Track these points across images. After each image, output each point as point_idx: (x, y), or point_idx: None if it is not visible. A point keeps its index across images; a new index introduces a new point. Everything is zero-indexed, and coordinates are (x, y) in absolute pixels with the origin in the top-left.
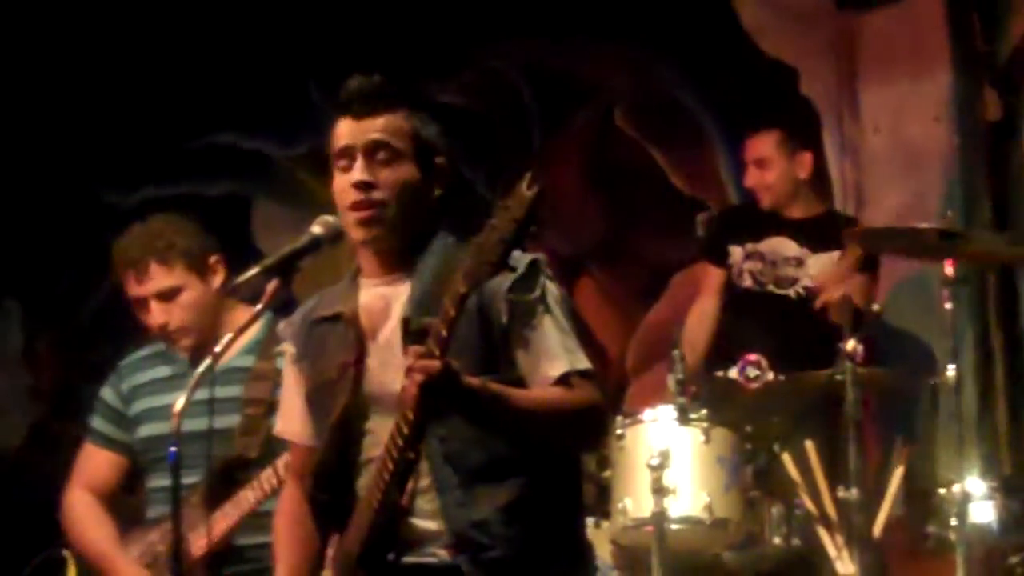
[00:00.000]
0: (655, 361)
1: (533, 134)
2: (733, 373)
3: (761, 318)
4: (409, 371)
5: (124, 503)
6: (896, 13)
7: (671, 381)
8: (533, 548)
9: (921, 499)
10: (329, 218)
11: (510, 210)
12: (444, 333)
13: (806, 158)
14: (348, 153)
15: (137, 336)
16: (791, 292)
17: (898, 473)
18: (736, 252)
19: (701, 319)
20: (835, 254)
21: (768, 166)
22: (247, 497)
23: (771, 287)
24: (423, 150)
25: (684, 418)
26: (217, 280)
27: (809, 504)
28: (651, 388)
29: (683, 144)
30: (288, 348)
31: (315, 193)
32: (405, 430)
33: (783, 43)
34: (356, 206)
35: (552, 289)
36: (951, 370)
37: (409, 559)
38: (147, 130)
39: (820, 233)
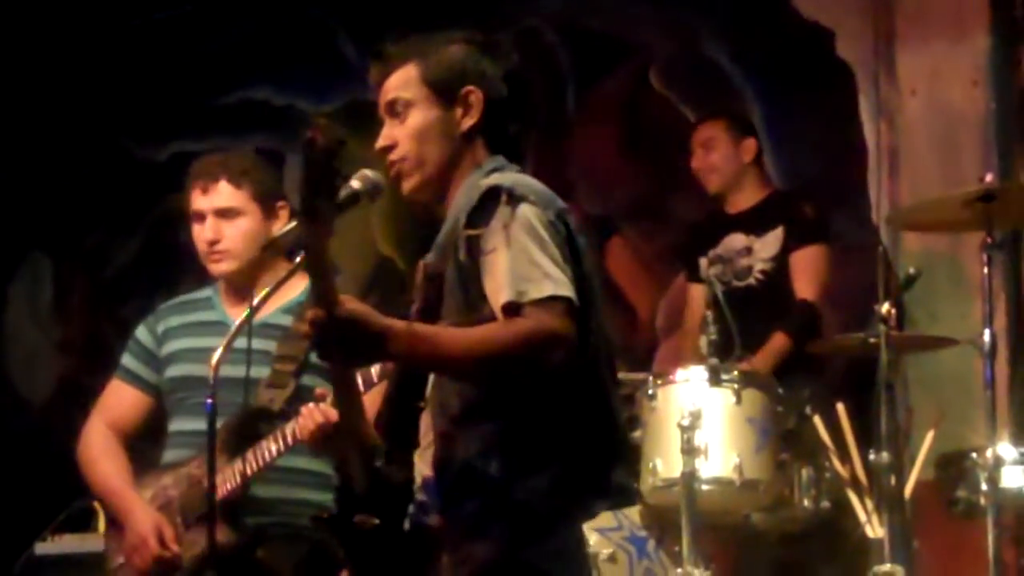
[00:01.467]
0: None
1: (568, 93)
2: None
3: (736, 314)
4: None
5: (139, 446)
6: None
7: (703, 342)
8: (507, 490)
9: (951, 463)
10: (368, 172)
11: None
12: (315, 280)
13: (751, 143)
14: (382, 122)
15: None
16: (751, 280)
17: (929, 437)
18: (703, 263)
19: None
20: (778, 231)
21: (713, 147)
22: (268, 448)
23: (735, 282)
24: (438, 86)
25: (715, 379)
26: (276, 227)
27: (839, 467)
28: (680, 347)
29: (718, 105)
30: None
31: (349, 148)
32: (346, 378)
33: (820, 4)
34: (387, 170)
35: (519, 214)
36: (985, 335)
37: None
38: (177, 85)
39: (762, 217)
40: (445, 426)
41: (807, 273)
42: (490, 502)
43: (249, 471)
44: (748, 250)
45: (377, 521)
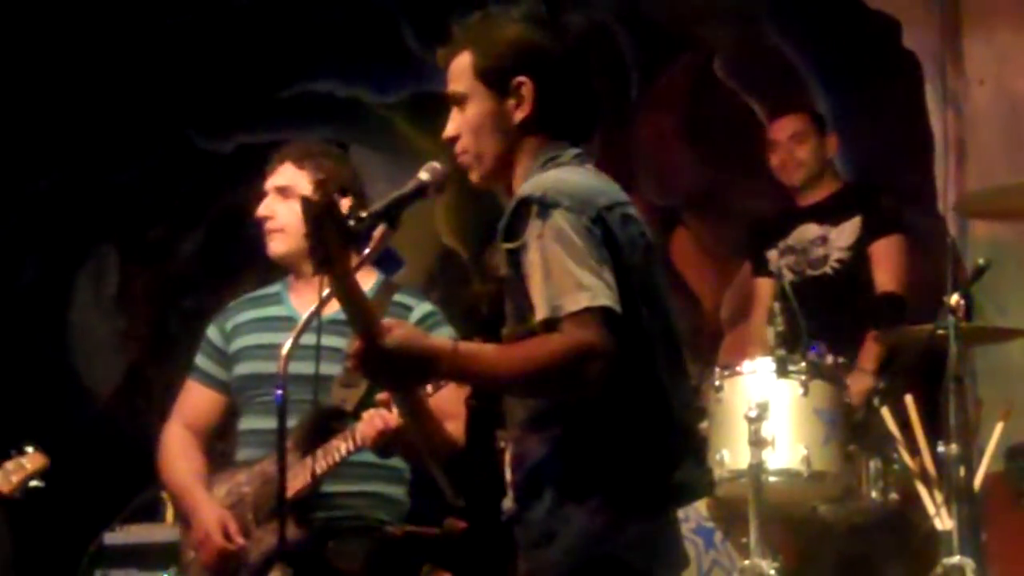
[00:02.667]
0: (750, 313)
1: (631, 83)
2: None
3: (811, 304)
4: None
5: (214, 445)
6: None
7: (770, 333)
8: (568, 503)
9: (1020, 455)
10: (436, 164)
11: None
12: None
13: (833, 139)
14: (446, 112)
15: (230, 282)
16: (827, 269)
17: (998, 429)
18: (772, 255)
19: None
20: (855, 220)
21: (804, 140)
22: (339, 447)
23: (809, 272)
24: (488, 77)
25: (783, 370)
26: None
27: (908, 459)
28: (746, 340)
29: (783, 95)
30: None
31: (411, 141)
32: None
33: None
34: (454, 162)
35: (551, 220)
36: None
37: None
38: (242, 77)
39: (836, 207)
40: (515, 431)
41: (888, 263)
42: (554, 507)
43: (319, 470)
44: (823, 239)
45: (464, 525)
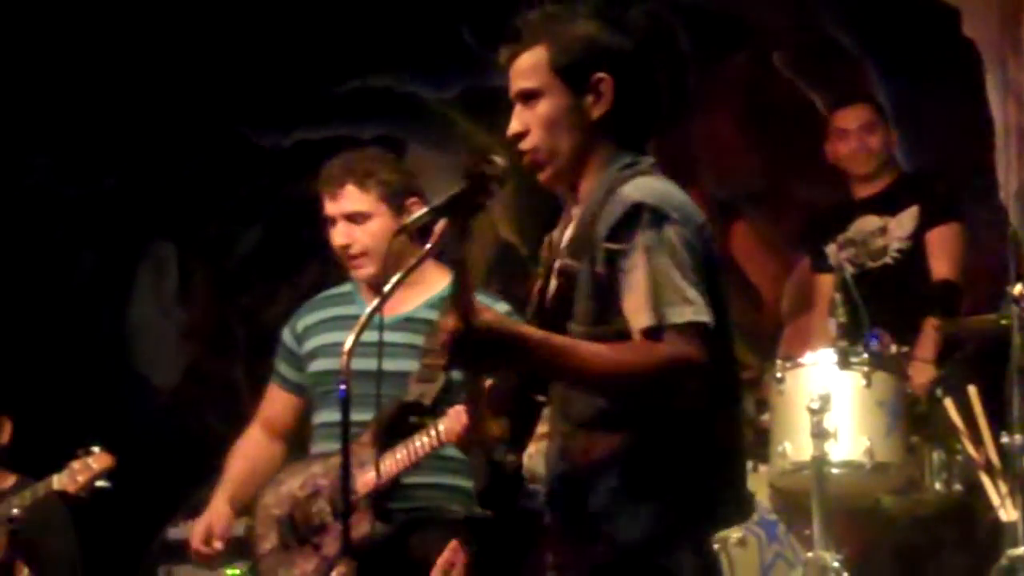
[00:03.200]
0: (810, 305)
1: (689, 76)
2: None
3: (871, 294)
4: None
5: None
6: None
7: (832, 325)
8: (625, 506)
9: None
10: (497, 159)
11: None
12: (456, 290)
13: (895, 134)
14: (512, 106)
15: (288, 278)
16: (887, 260)
17: None
18: (831, 249)
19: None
20: (913, 210)
21: (874, 130)
22: (421, 442)
23: (869, 263)
24: (566, 73)
25: (845, 362)
26: None
27: (971, 450)
28: (806, 332)
29: (842, 86)
30: None
31: (468, 135)
32: (475, 384)
33: None
34: (518, 159)
35: (662, 233)
36: None
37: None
38: (298, 74)
39: (895, 197)
40: (567, 427)
41: (944, 251)
42: (610, 506)
43: (400, 465)
44: (882, 230)
45: (489, 513)
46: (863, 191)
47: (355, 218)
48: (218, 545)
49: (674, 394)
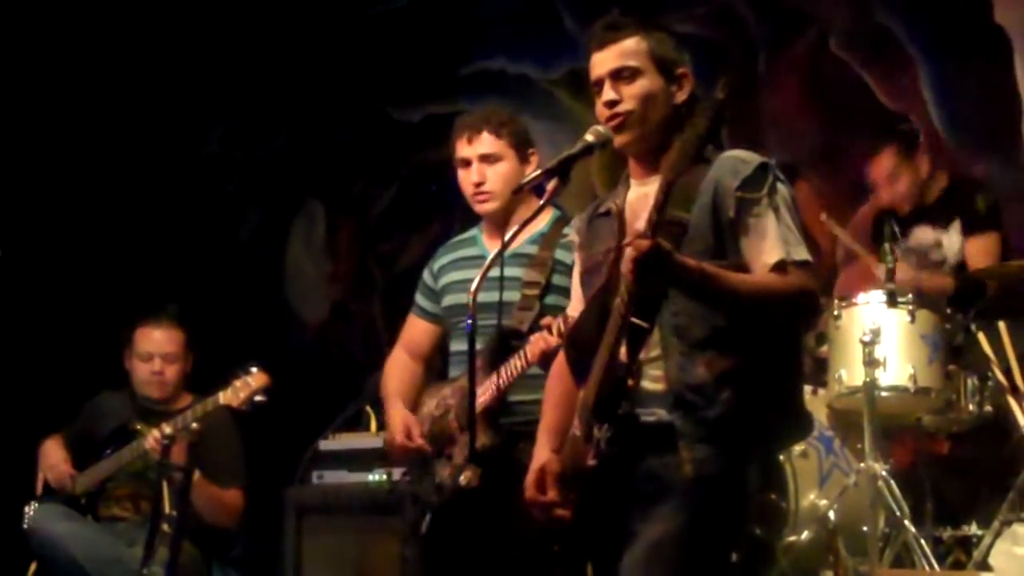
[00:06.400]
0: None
1: (758, 59)
2: None
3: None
4: (624, 249)
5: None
6: None
7: (881, 270)
8: (744, 410)
9: None
10: (600, 127)
11: (705, 111)
12: (655, 216)
13: (923, 157)
14: (599, 82)
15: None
16: (946, 271)
17: None
18: (895, 253)
19: None
20: (957, 223)
21: (899, 175)
22: (515, 364)
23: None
24: (661, 63)
25: (892, 301)
26: (528, 170)
27: (1001, 377)
28: (857, 276)
29: (890, 66)
30: (574, 237)
31: (571, 110)
32: (627, 300)
33: None
34: (608, 119)
35: (780, 189)
36: None
37: (635, 415)
38: (428, 58)
39: (944, 210)
40: (684, 347)
41: (980, 261)
42: (730, 418)
43: (502, 384)
44: (938, 244)
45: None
46: (916, 206)
47: (488, 159)
48: (420, 440)
49: (799, 315)
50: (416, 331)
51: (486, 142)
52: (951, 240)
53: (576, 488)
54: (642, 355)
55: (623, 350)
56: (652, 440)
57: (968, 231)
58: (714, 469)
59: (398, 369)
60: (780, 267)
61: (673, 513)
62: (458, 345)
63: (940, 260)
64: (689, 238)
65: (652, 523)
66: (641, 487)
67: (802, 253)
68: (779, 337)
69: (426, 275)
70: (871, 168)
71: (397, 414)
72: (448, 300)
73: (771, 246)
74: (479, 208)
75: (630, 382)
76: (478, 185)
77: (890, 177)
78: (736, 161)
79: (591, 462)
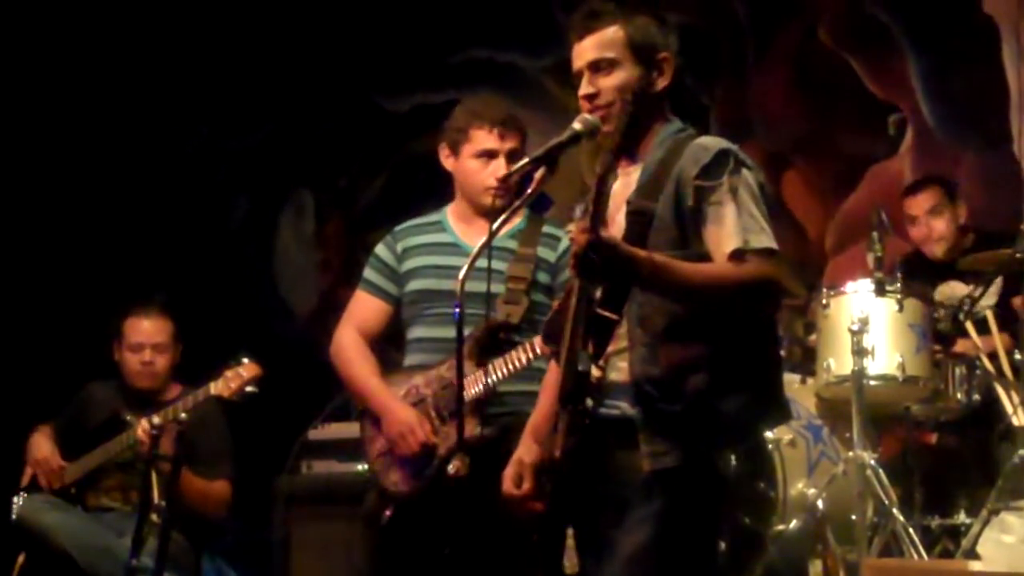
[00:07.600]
0: (850, 243)
1: (747, 47)
2: None
3: None
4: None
5: (387, 351)
6: None
7: (870, 258)
8: (709, 401)
9: None
10: (588, 116)
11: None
12: (591, 208)
13: (963, 206)
14: (579, 74)
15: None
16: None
17: None
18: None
19: None
20: (998, 281)
21: (940, 212)
22: (519, 356)
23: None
24: (640, 51)
25: (880, 290)
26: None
27: (988, 365)
28: (846, 265)
29: (878, 55)
30: (572, 227)
31: (559, 98)
32: (577, 293)
33: None
34: (589, 112)
35: (743, 174)
36: None
37: (589, 409)
38: (416, 47)
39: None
40: (647, 339)
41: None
42: (690, 410)
43: (500, 376)
44: (971, 300)
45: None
46: (947, 255)
47: (512, 156)
48: (435, 438)
49: (757, 304)
50: (367, 309)
51: (487, 141)
52: (987, 296)
53: (550, 480)
54: (611, 347)
55: (589, 342)
56: (615, 434)
57: (1015, 288)
58: (672, 462)
59: (359, 350)
60: (737, 255)
61: (640, 523)
62: (425, 332)
63: (970, 312)
64: (655, 228)
65: (624, 532)
66: (608, 482)
67: (763, 240)
68: (747, 324)
69: (384, 253)
70: (908, 204)
71: (401, 407)
72: (416, 284)
73: (728, 234)
74: (493, 203)
75: (597, 374)
76: (505, 178)
77: (932, 211)
78: (698, 149)
79: (556, 453)
